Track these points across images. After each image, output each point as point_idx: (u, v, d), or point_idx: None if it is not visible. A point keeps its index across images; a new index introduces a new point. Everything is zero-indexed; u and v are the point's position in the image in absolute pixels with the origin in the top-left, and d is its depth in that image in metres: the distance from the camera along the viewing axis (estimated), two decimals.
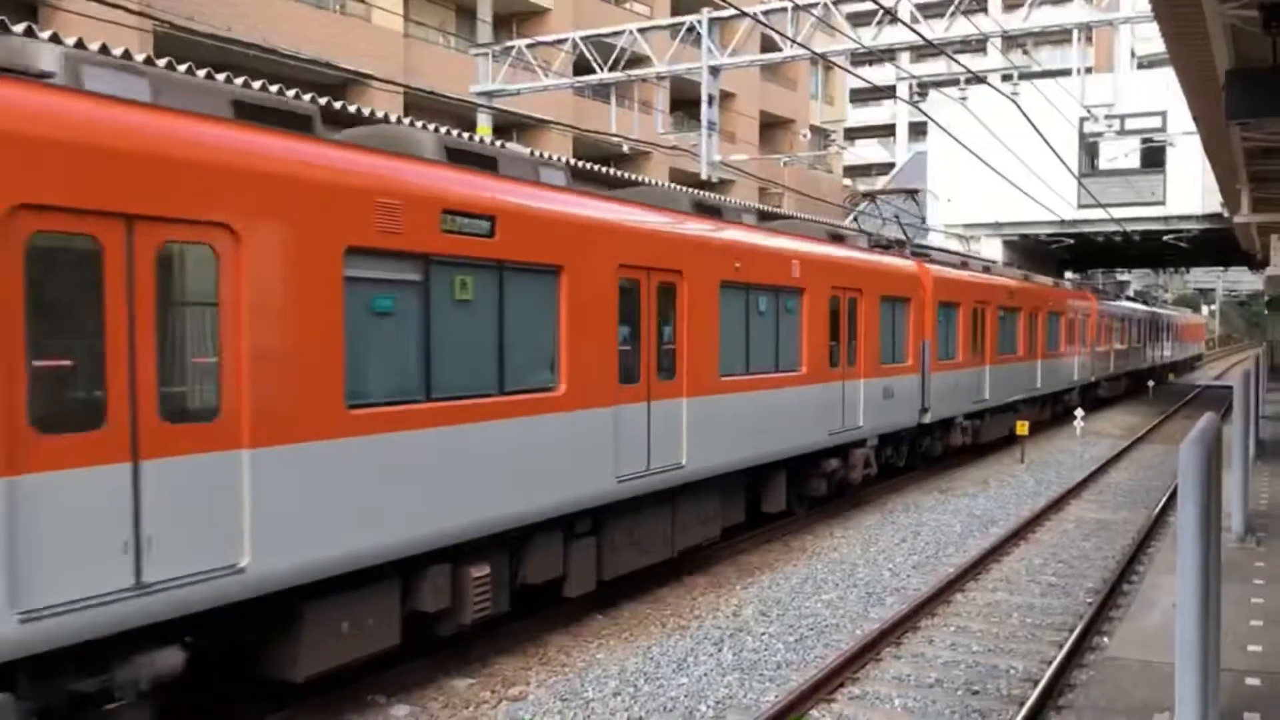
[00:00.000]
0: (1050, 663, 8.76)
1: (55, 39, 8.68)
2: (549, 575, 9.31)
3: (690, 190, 15.31)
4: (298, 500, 6.77)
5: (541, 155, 12.94)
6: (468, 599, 8.27)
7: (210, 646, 6.67)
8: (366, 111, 11.54)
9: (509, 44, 24.79)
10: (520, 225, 8.68)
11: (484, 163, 8.84)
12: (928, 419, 18.14)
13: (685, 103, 37.86)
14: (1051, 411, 27.63)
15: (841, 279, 14.84)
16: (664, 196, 12.27)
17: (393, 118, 11.89)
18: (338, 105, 11.17)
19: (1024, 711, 7.59)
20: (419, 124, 11.95)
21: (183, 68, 9.67)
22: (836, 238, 15.88)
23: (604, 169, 15.46)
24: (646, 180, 17.56)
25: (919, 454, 18.92)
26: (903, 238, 21.16)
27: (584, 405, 9.43)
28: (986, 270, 23.18)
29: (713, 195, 15.88)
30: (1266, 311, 63.41)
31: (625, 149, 30.35)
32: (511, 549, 8.92)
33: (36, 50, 6.26)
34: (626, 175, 16.31)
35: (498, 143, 13.59)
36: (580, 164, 14.94)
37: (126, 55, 9.33)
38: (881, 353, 16.10)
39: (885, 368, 16.22)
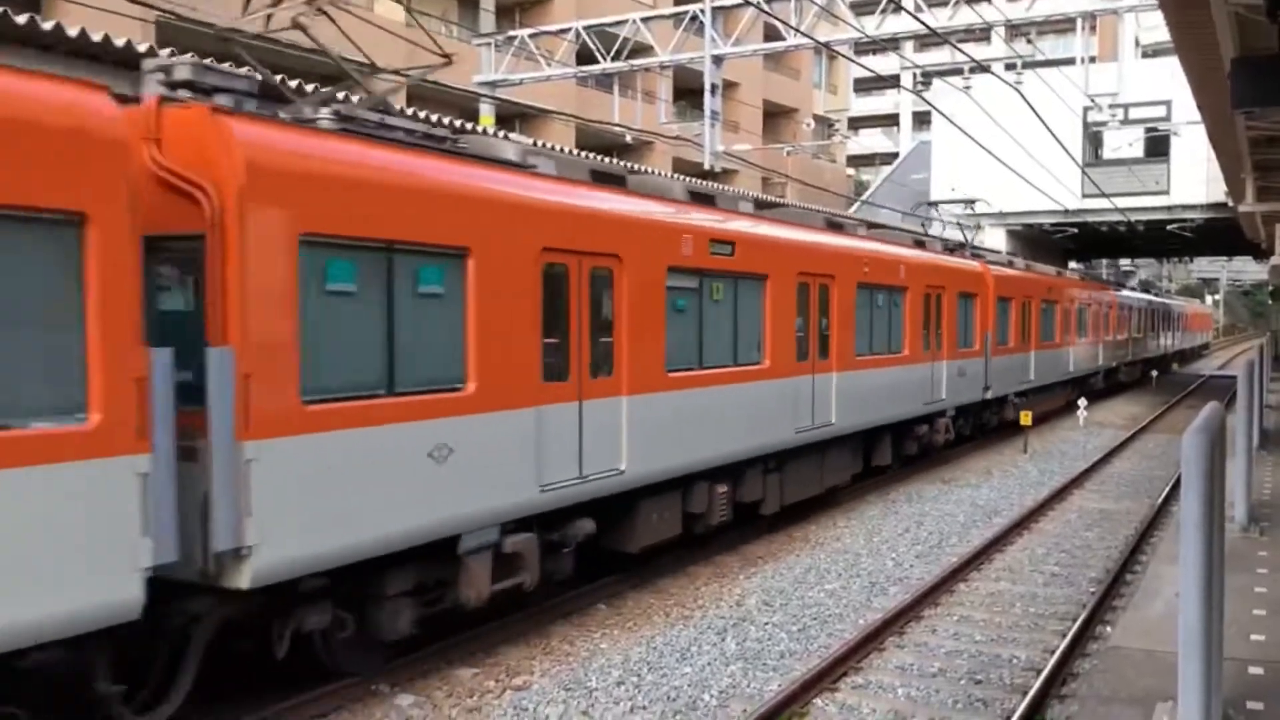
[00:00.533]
0: (1053, 652, 8.76)
1: (131, 48, 8.64)
2: (754, 497, 12.59)
3: (856, 217, 19.67)
4: (644, 430, 10.11)
5: (736, 191, 18.27)
6: (715, 507, 11.65)
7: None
8: None
9: (512, 33, 24.72)
10: (748, 246, 12.04)
11: (707, 200, 12.05)
12: (989, 395, 21.37)
13: (688, 92, 37.78)
14: (1081, 392, 29.10)
15: (932, 279, 18.06)
16: (820, 218, 15.64)
17: (396, 107, 11.84)
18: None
19: (1026, 701, 7.60)
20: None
21: (185, 58, 9.65)
22: (919, 243, 19.05)
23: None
24: (652, 171, 17.55)
25: (980, 425, 21.99)
26: (962, 240, 24.45)
27: (781, 375, 12.85)
28: (1029, 268, 25.80)
29: (852, 218, 20.69)
30: (1270, 301, 63.33)
31: (628, 139, 30.29)
32: (734, 477, 12.06)
33: (501, 145, 9.53)
34: (784, 201, 16.25)
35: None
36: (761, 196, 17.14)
37: (128, 46, 9.32)
38: (958, 339, 19.39)
39: (960, 352, 19.49)
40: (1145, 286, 55.77)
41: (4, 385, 5.39)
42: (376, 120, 8.18)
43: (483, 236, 8.19)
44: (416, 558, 7.85)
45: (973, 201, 26.79)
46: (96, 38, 9.17)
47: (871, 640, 9.21)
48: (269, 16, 8.04)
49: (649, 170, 17.49)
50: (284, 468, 6.70)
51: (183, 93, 6.94)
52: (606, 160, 15.66)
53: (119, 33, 9.76)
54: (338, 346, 7.20)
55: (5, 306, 5.39)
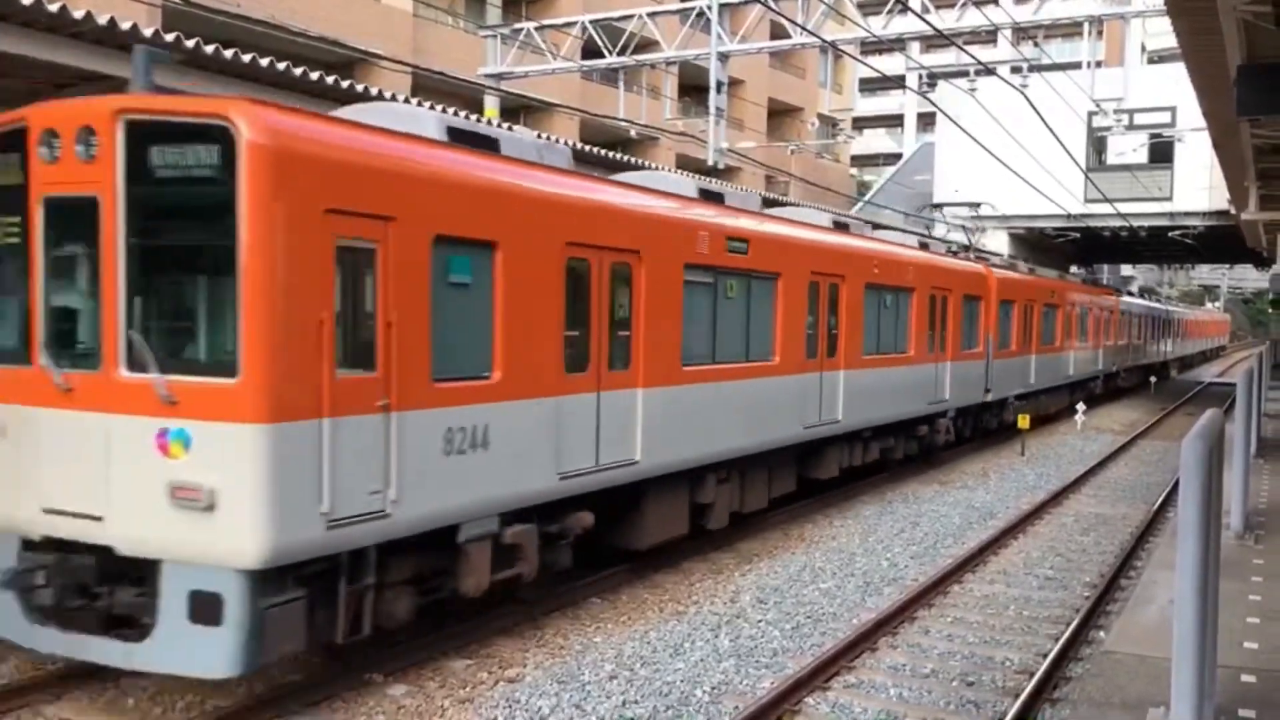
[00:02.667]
0: (1046, 656, 8.77)
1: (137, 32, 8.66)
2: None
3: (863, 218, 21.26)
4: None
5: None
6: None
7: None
8: (374, 91, 11.51)
9: (518, 26, 24.68)
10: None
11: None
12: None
13: (693, 88, 37.80)
14: (1086, 394, 29.75)
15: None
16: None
17: (400, 97, 11.86)
18: (345, 84, 11.15)
19: (1018, 704, 7.60)
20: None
21: (190, 43, 9.65)
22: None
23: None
24: (651, 165, 17.55)
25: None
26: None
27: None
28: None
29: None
30: (1271, 310, 63.37)
31: (633, 134, 30.27)
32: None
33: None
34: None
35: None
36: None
37: (134, 30, 9.31)
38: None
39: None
40: (1145, 293, 56.07)
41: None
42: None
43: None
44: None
45: (977, 205, 26.87)
46: (102, 20, 9.16)
47: (865, 640, 9.22)
48: None
49: (655, 166, 17.48)
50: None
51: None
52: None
53: (124, 15, 9.74)
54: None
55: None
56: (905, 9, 20.46)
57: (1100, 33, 25.52)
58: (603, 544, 10.50)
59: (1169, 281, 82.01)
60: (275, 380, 6.56)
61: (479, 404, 8.17)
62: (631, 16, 23.76)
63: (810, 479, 14.70)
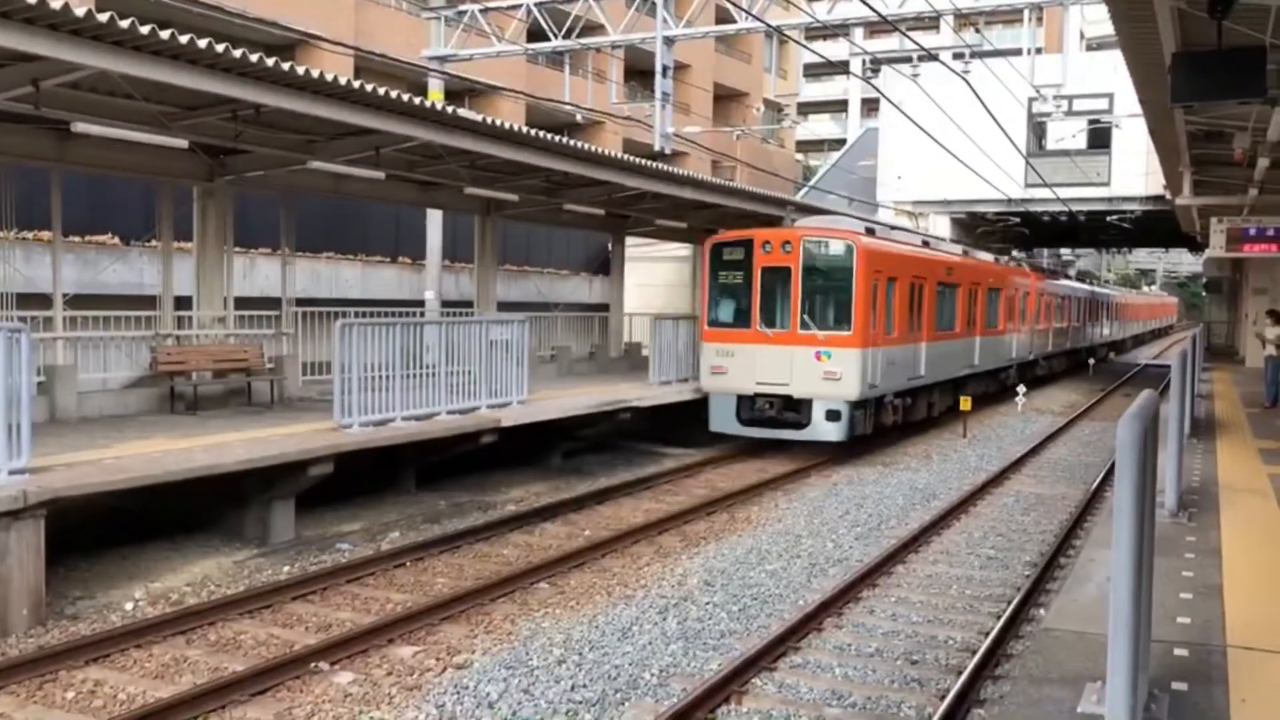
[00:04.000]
0: (988, 634, 8.92)
1: (69, 11, 8.46)
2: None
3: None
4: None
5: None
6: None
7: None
8: (316, 74, 11.34)
9: (462, 8, 24.39)
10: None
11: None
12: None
13: (639, 73, 37.62)
14: (998, 386, 28.96)
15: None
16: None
17: (342, 80, 11.69)
18: (286, 66, 10.97)
19: (960, 681, 7.73)
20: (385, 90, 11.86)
21: (125, 23, 9.43)
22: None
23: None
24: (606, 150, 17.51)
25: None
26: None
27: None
28: (926, 244, 24.19)
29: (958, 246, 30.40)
30: (1204, 294, 64.76)
31: (578, 118, 30.11)
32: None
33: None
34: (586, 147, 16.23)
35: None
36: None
37: (66, 9, 9.07)
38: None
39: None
40: (1083, 276, 57.12)
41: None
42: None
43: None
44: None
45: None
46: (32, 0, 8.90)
47: (811, 620, 9.32)
48: None
49: (593, 148, 17.45)
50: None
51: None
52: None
53: None
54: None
55: None
56: None
57: (1040, 20, 25.81)
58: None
59: (1107, 265, 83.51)
60: (861, 334, 17.75)
61: (889, 347, 19.10)
62: (577, 0, 23.61)
63: (957, 401, 23.13)
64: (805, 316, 17.91)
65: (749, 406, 18.34)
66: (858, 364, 17.58)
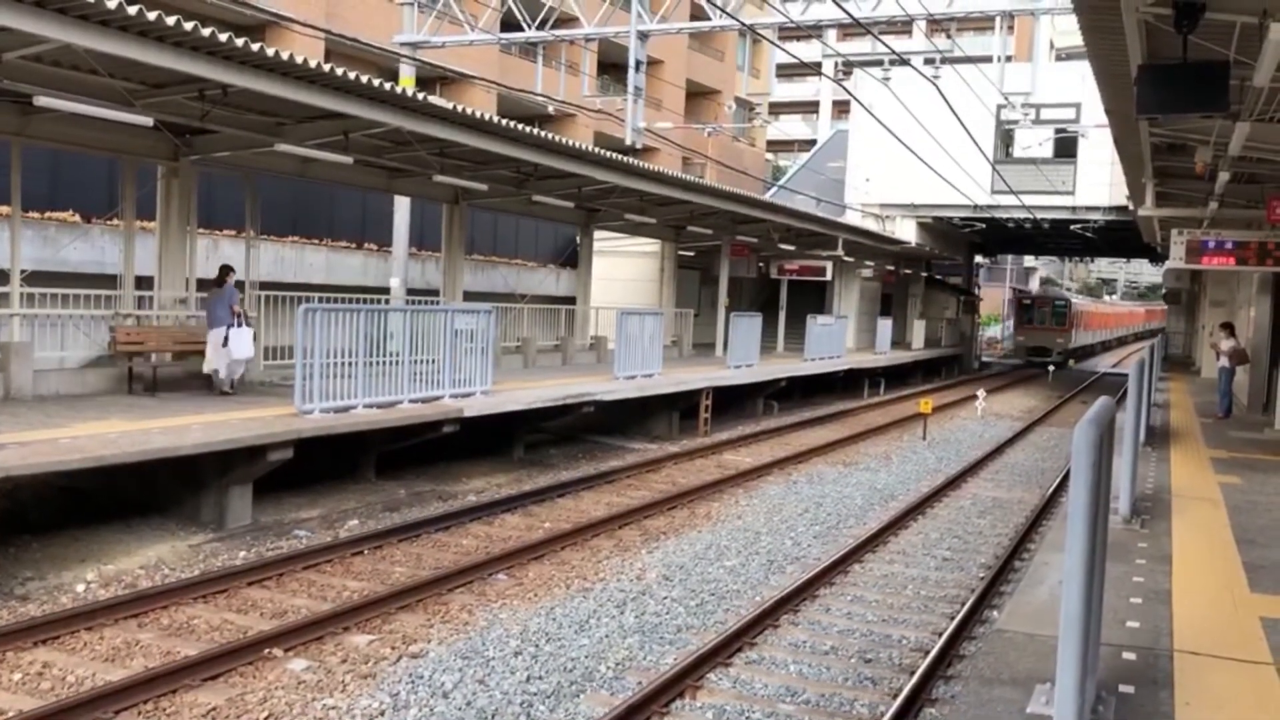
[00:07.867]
0: (941, 634, 9.01)
1: None
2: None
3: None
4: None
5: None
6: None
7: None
8: (285, 56, 11.23)
9: None
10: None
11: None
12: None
13: (612, 66, 37.61)
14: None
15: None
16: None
17: (312, 63, 11.59)
18: (255, 47, 10.86)
19: (913, 681, 7.80)
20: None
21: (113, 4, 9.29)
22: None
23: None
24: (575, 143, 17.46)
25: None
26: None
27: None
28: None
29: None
30: (1164, 304, 66.17)
31: (550, 109, 30.02)
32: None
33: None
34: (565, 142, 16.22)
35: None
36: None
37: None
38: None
39: None
40: (1045, 283, 62.17)
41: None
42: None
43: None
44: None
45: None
46: None
47: (767, 617, 9.36)
48: None
49: (563, 140, 17.41)
50: None
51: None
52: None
53: None
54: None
55: None
56: None
57: (1011, 28, 26.06)
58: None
59: (1070, 274, 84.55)
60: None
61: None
62: None
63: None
64: None
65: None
66: None
